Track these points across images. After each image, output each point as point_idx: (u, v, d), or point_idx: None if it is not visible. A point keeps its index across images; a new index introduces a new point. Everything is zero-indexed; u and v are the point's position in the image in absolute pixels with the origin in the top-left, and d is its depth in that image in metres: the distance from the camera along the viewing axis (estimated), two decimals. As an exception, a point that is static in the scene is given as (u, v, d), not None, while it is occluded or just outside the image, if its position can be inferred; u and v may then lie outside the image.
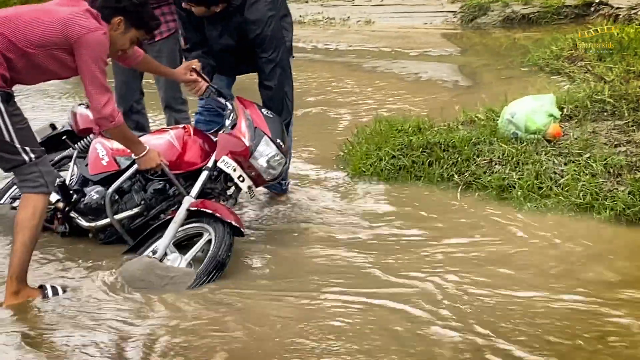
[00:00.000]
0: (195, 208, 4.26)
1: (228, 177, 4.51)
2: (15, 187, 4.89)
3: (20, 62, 3.78)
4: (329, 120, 7.50)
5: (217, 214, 4.21)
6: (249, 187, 4.46)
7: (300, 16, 14.63)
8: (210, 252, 4.14)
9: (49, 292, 3.97)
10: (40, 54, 3.81)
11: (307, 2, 16.03)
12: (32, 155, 3.84)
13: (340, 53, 11.32)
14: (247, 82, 5.42)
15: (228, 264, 4.15)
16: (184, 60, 5.30)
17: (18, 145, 3.79)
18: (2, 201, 5.03)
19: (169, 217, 4.34)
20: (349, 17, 14.17)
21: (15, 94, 3.84)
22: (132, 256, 4.28)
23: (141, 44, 4.55)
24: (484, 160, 5.48)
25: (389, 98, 8.24)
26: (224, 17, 4.59)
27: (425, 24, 13.00)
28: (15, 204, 4.67)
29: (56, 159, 5.09)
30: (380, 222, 4.92)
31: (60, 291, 4.00)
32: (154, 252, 4.14)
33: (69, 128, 5.21)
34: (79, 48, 3.82)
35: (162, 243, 4.15)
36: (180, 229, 4.25)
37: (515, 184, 5.14)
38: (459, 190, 5.29)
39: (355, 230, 4.81)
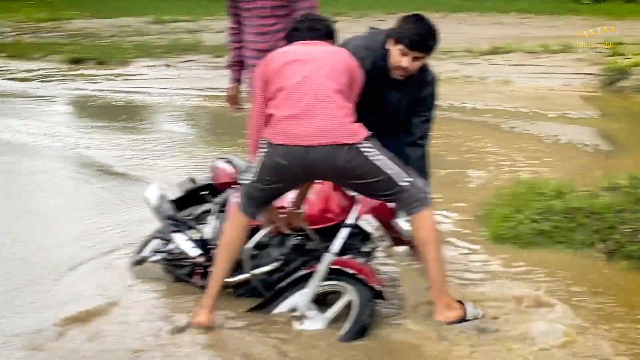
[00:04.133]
0: (337, 267, 4.20)
1: (368, 235, 4.46)
2: (154, 240, 4.95)
3: None
4: (466, 180, 7.43)
5: (360, 276, 4.14)
6: (388, 248, 4.44)
7: (437, 72, 14.68)
8: (354, 316, 4.06)
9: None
10: None
11: (443, 59, 16.10)
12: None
13: (477, 112, 11.22)
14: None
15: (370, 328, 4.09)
16: None
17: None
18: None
19: (303, 272, 4.29)
20: (486, 76, 14.15)
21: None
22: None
23: None
24: (628, 228, 5.29)
25: (527, 160, 8.12)
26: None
27: (565, 85, 12.81)
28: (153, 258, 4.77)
29: (197, 213, 5.07)
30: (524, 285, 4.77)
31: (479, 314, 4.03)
32: (293, 310, 4.12)
33: (210, 182, 5.19)
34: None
35: (303, 300, 4.12)
36: (317, 285, 4.22)
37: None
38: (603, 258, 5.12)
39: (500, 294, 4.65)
